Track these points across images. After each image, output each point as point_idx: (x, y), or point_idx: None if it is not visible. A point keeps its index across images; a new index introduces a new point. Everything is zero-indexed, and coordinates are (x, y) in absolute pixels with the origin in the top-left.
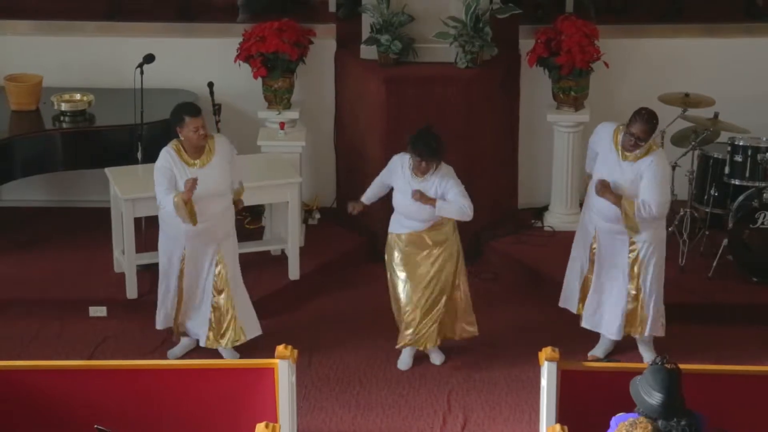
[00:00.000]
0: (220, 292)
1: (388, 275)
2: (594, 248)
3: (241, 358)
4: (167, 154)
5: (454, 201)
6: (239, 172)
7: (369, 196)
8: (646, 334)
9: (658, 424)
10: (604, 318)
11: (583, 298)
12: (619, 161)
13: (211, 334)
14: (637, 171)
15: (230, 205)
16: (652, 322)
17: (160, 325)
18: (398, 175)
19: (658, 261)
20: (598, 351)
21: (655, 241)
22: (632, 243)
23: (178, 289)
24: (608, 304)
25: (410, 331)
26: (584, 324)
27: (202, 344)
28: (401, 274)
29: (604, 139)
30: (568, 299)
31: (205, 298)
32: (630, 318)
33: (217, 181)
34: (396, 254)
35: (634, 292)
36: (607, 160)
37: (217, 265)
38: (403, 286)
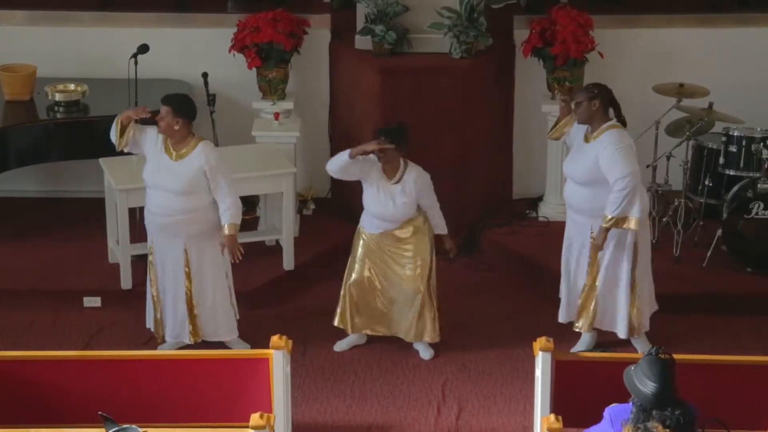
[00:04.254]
0: (189, 290)
1: (351, 264)
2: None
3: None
4: (156, 131)
5: (435, 212)
6: (224, 196)
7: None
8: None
9: None
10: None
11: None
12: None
13: (191, 328)
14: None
15: (207, 205)
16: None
17: (147, 323)
18: (374, 175)
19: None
20: (581, 346)
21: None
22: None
23: (151, 286)
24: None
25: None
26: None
27: (187, 341)
28: (360, 269)
29: (578, 130)
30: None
31: (178, 297)
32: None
33: (181, 182)
34: (361, 249)
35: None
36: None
37: (186, 266)
38: (355, 278)
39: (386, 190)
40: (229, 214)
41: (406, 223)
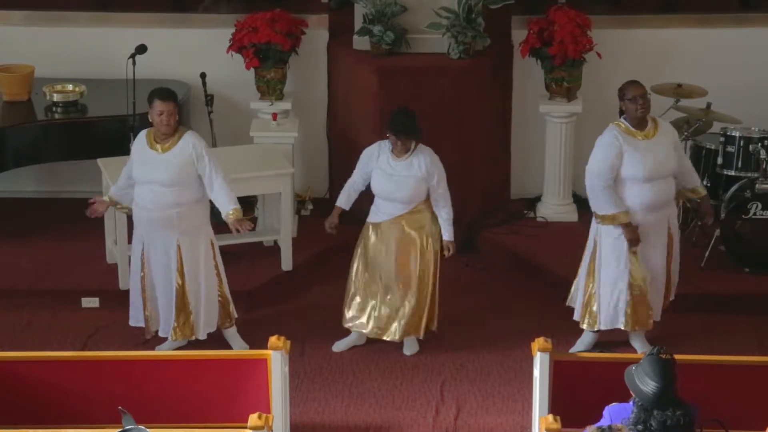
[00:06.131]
0: (181, 286)
1: (355, 262)
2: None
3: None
4: (141, 134)
5: (445, 207)
6: (218, 186)
7: (344, 200)
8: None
9: None
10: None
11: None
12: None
13: (176, 325)
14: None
15: (197, 199)
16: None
17: (131, 321)
18: (375, 161)
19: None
20: (581, 346)
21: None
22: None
23: (142, 282)
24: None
25: (363, 320)
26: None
27: (169, 339)
28: (364, 262)
29: (617, 142)
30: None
31: (168, 291)
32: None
33: (170, 172)
34: (368, 243)
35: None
36: (635, 153)
37: (179, 262)
38: (360, 274)
39: (392, 167)
40: (228, 199)
41: (411, 217)
